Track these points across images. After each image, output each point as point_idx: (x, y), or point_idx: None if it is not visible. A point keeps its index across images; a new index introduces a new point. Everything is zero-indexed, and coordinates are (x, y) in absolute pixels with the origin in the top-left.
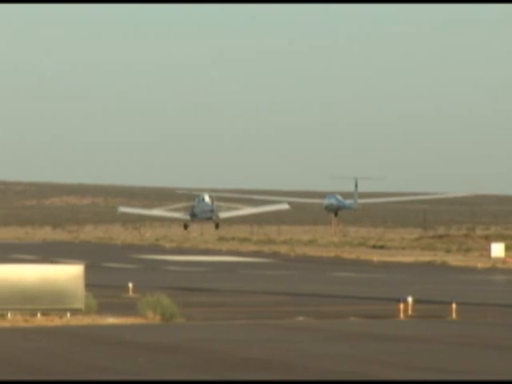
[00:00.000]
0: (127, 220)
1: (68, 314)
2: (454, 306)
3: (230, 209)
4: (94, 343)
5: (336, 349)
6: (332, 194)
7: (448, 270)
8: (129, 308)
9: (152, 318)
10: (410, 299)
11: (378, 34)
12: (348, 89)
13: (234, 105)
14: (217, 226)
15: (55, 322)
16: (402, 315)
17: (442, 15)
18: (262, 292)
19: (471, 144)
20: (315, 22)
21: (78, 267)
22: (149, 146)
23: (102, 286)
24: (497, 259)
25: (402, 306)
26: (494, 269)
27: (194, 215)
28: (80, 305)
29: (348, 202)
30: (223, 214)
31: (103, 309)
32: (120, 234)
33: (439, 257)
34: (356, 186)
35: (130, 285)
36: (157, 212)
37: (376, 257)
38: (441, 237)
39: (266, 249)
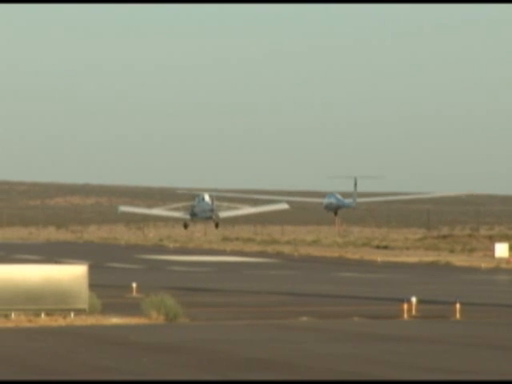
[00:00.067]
0: (131, 220)
1: (72, 314)
2: (457, 306)
3: (229, 208)
4: (97, 343)
5: (340, 349)
6: (331, 194)
7: (452, 270)
8: (133, 308)
9: (156, 318)
10: (413, 299)
11: (378, 34)
12: (348, 89)
13: (234, 105)
14: (216, 226)
15: (59, 322)
16: (405, 315)
17: (442, 15)
18: (265, 292)
19: (472, 144)
20: (315, 22)
21: (82, 267)
22: (154, 147)
23: (106, 286)
24: (501, 259)
25: (405, 306)
26: (498, 269)
27: (194, 214)
28: (84, 305)
29: (347, 200)
30: (223, 214)
31: (107, 309)
32: (124, 234)
33: (443, 257)
34: (355, 184)
35: (134, 285)
36: (157, 211)
37: (380, 257)
38: (445, 237)
39: (269, 249)
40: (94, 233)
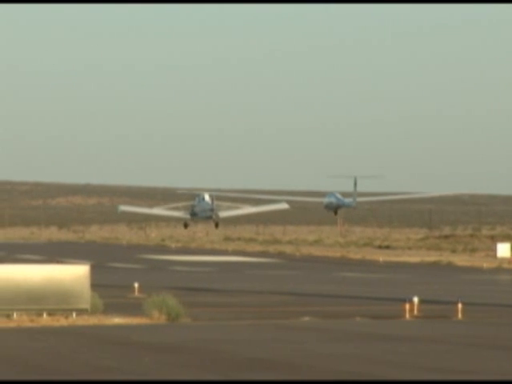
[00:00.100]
0: (132, 220)
1: (74, 314)
2: (459, 306)
3: (229, 208)
4: (99, 343)
5: (341, 349)
6: (331, 193)
7: (454, 270)
8: (134, 308)
9: (158, 318)
10: (415, 299)
11: (378, 34)
12: (348, 89)
13: (234, 105)
14: (216, 225)
15: (61, 322)
16: (407, 315)
17: (442, 15)
18: (267, 292)
19: (472, 144)
20: (315, 22)
21: (84, 267)
22: (154, 147)
23: (108, 286)
24: (503, 259)
25: (407, 306)
26: (500, 269)
27: (194, 214)
28: (86, 305)
29: (347, 200)
30: (223, 214)
31: (109, 309)
32: (125, 234)
33: (445, 257)
34: (355, 184)
35: (136, 285)
36: (157, 211)
37: (382, 257)
38: (446, 237)
39: (271, 249)
40: (96, 233)
